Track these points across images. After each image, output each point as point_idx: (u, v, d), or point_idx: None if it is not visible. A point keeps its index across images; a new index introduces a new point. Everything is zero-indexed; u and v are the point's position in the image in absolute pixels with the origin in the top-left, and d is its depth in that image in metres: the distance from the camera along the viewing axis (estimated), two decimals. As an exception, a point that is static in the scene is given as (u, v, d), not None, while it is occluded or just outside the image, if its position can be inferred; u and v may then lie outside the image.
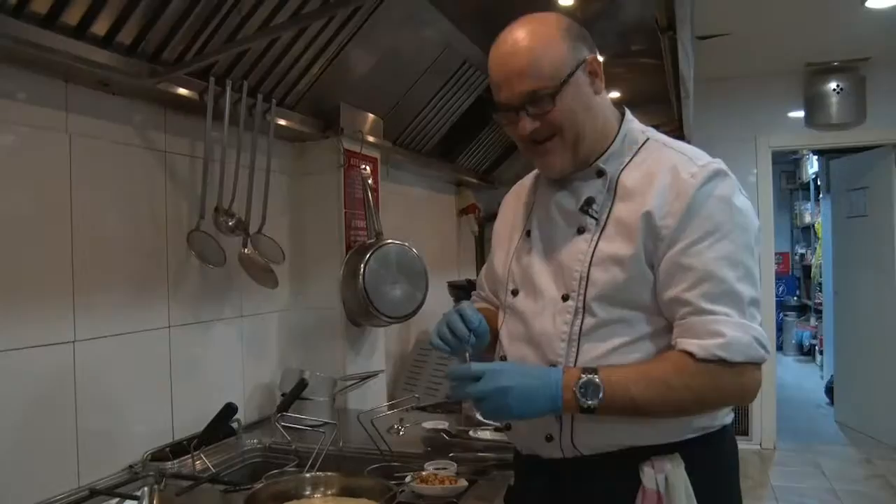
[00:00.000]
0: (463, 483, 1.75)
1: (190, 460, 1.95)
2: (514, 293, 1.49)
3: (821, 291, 8.46)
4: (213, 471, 1.91)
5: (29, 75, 1.67)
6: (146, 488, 1.67)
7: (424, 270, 2.79)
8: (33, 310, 1.68)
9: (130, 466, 1.92)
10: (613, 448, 1.36)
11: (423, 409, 2.67)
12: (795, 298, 10.44)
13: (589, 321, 1.35)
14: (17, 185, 1.65)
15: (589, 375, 1.26)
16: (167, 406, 2.09)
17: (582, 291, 1.36)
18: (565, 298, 1.38)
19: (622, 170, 1.40)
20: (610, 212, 1.37)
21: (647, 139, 1.44)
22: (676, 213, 1.30)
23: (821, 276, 8.42)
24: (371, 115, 2.83)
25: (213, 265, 2.13)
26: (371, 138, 2.80)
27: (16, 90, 1.65)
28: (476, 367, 1.28)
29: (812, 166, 8.57)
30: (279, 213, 2.57)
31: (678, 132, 4.37)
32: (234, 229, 2.19)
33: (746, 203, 1.35)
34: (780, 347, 8.39)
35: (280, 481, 1.66)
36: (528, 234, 1.51)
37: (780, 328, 8.92)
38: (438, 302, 3.36)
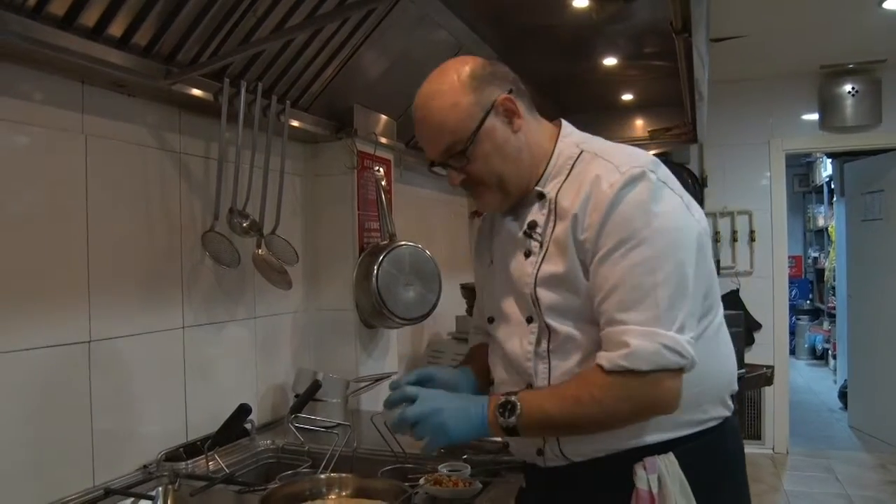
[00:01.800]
0: (477, 485, 1.74)
1: (204, 460, 1.95)
2: (491, 320, 1.55)
3: (834, 295, 8.39)
4: (227, 471, 1.91)
5: (45, 76, 1.68)
6: (160, 488, 1.67)
7: (437, 272, 2.79)
8: (48, 310, 1.69)
9: (145, 466, 1.92)
10: (602, 453, 1.37)
11: (435, 410, 2.66)
12: (808, 302, 10.38)
13: (553, 338, 1.39)
14: (33, 186, 1.66)
15: (507, 396, 1.33)
16: (181, 406, 2.09)
17: (539, 312, 1.39)
18: (530, 320, 1.42)
19: (559, 189, 1.41)
20: (552, 233, 1.39)
21: (581, 152, 1.42)
22: (594, 224, 1.31)
23: (834, 280, 8.36)
24: (384, 117, 2.84)
25: (227, 266, 2.13)
26: (384, 140, 2.80)
27: (32, 91, 1.66)
28: (410, 389, 1.37)
29: (826, 169, 8.51)
30: (293, 214, 2.58)
31: (691, 135, 4.35)
32: (248, 230, 2.19)
33: (670, 205, 1.33)
34: (792, 351, 8.33)
35: (295, 482, 1.66)
36: (492, 262, 1.56)
37: (792, 332, 8.86)
38: (451, 304, 3.36)
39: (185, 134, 2.12)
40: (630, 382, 1.25)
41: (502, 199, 1.45)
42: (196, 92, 1.97)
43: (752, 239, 5.74)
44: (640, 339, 1.24)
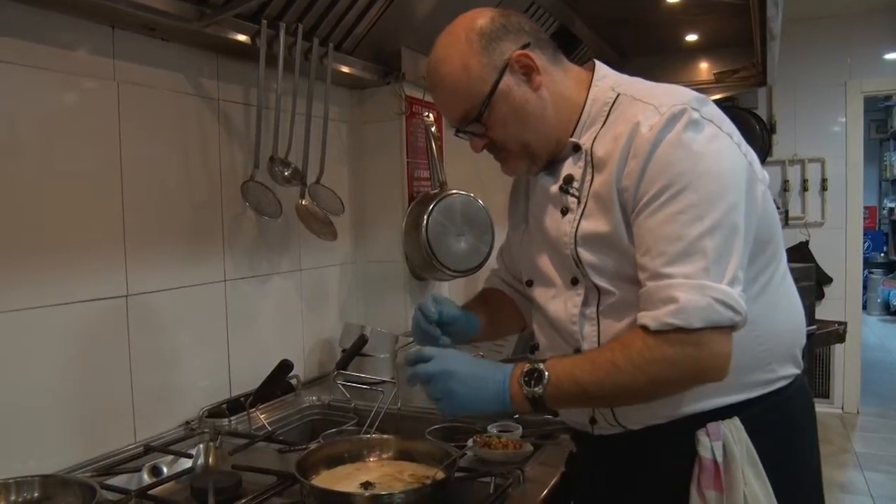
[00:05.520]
0: (528, 448, 1.66)
1: (247, 417, 1.91)
2: (529, 283, 1.44)
3: (911, 247, 8.02)
4: (269, 429, 1.87)
5: (73, 21, 1.61)
6: (201, 446, 1.64)
7: (490, 222, 2.68)
8: (83, 264, 1.64)
9: (187, 423, 1.89)
10: (661, 419, 1.26)
11: (487, 367, 2.58)
12: (882, 255, 9.95)
13: (604, 299, 1.27)
14: (65, 136, 1.60)
15: (534, 364, 1.22)
16: (224, 362, 2.05)
17: (584, 272, 1.27)
18: (574, 282, 1.30)
19: (595, 139, 1.27)
20: (591, 186, 1.26)
21: (618, 96, 1.28)
22: (633, 173, 1.18)
23: (912, 231, 7.97)
24: (434, 61, 2.71)
25: (270, 217, 2.05)
26: (434, 85, 2.67)
27: (61, 36, 1.59)
28: (428, 350, 1.28)
29: (906, 114, 8.05)
30: (338, 162, 2.49)
31: (760, 77, 4.11)
32: (290, 180, 2.11)
33: (716, 144, 1.18)
34: (864, 307, 7.98)
35: (335, 443, 1.59)
36: (528, 224, 1.45)
37: (864, 286, 8.50)
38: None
39: (224, 80, 2.03)
40: (677, 344, 1.11)
41: (529, 163, 1.35)
42: (232, 35, 1.88)
43: (823, 188, 5.46)
44: (689, 293, 1.10)
